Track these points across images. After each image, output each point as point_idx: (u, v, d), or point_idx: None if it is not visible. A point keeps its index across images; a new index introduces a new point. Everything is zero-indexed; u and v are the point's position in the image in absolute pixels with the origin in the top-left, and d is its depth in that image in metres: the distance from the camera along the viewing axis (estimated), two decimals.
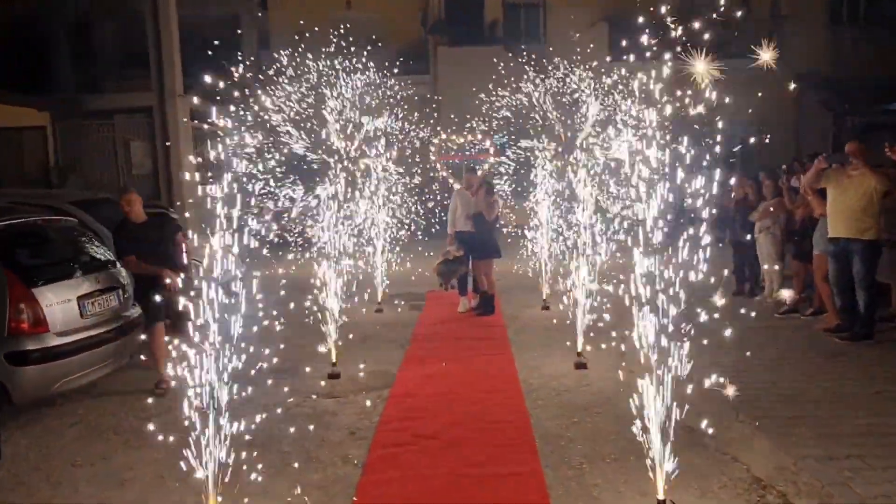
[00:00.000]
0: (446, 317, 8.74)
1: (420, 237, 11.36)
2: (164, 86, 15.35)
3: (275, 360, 4.65)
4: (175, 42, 15.38)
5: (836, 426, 4.56)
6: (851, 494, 3.63)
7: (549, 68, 12.30)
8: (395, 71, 12.45)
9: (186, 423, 3.31)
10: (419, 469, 4.28)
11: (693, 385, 3.51)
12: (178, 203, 15.05)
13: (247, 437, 3.58)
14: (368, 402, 5.55)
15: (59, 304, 5.19)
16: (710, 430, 4.07)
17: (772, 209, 8.36)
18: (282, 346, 5.22)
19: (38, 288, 5.07)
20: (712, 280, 3.51)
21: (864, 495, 3.61)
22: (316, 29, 14.11)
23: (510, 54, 15.66)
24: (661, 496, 3.38)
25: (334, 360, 6.38)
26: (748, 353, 5.95)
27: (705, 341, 3.72)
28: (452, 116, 16.37)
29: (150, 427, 4.34)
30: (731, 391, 3.95)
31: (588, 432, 4.78)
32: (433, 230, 12.25)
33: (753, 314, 6.76)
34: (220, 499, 3.35)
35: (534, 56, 13.34)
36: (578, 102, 10.62)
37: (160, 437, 4.10)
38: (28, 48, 16.32)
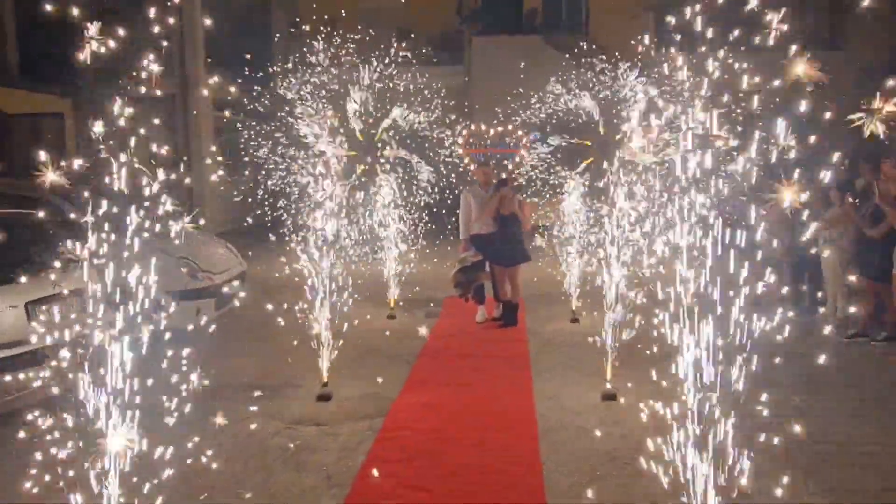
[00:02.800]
0: (463, 328, 7.90)
1: (441, 237, 10.59)
2: (186, 73, 14.95)
3: (257, 377, 3.90)
4: (199, 30, 14.95)
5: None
6: None
7: (593, 62, 11.32)
8: (434, 60, 11.91)
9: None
10: None
11: (742, 436, 2.65)
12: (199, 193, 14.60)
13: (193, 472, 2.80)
14: (356, 435, 4.75)
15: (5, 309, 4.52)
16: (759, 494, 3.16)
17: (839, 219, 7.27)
18: (273, 359, 4.55)
19: None
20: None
21: None
22: (344, 13, 13.52)
23: (553, 46, 14.80)
24: None
25: (325, 380, 5.60)
26: (811, 392, 4.96)
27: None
28: (481, 122, 15.53)
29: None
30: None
31: (611, 492, 3.87)
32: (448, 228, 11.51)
33: (813, 338, 5.76)
34: None
35: (574, 49, 12.45)
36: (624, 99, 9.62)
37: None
38: (53, 35, 16.02)
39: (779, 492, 2.98)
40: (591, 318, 7.50)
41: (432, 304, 8.97)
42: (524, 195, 9.81)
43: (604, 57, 11.13)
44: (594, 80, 11.07)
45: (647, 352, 4.47)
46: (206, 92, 14.73)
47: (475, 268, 7.97)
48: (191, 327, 3.89)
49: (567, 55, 12.47)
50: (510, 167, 12.45)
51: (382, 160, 9.06)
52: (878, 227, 6.79)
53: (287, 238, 7.48)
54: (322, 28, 10.99)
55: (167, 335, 3.08)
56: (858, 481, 3.88)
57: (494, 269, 7.92)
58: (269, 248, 9.08)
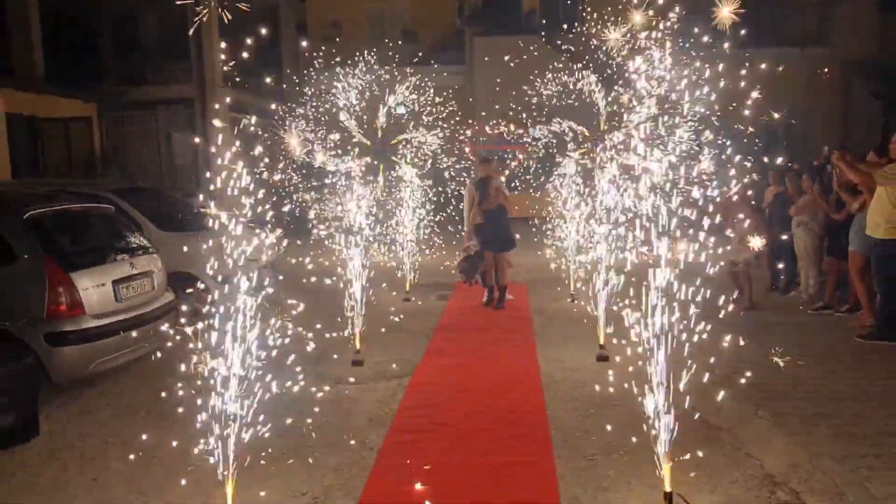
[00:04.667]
0: (472, 308, 8.80)
1: (450, 228, 11.42)
2: (204, 78, 15.71)
3: (304, 348, 4.76)
4: (215, 34, 15.70)
5: (856, 425, 4.48)
6: (865, 494, 3.58)
7: (584, 54, 12.04)
8: (432, 62, 12.50)
9: (212, 407, 3.44)
10: (433, 456, 4.37)
11: (713, 378, 3.51)
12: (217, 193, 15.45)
13: (262, 419, 3.69)
14: (389, 390, 5.66)
15: (95, 287, 5.42)
16: (727, 426, 4.05)
17: (810, 204, 8.16)
18: (310, 334, 5.40)
19: (74, 272, 5.31)
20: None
21: (879, 495, 3.55)
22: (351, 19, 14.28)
23: (549, 45, 15.55)
24: (667, 488, 3.39)
25: (358, 348, 6.51)
26: (775, 349, 5.85)
27: (728, 336, 3.70)
28: (483, 114, 16.33)
29: (179, 409, 4.50)
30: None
31: (604, 425, 4.77)
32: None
33: (786, 310, 6.64)
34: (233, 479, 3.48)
35: (571, 48, 13.21)
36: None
37: (187, 419, 4.25)
38: (74, 41, 16.90)
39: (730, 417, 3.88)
40: (587, 298, 8.40)
41: (443, 289, 9.89)
42: (515, 190, 10.47)
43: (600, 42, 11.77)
44: (592, 60, 11.60)
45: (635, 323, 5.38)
46: (224, 94, 15.56)
47: (478, 255, 8.89)
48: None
49: (564, 55, 13.22)
50: (509, 162, 13.25)
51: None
52: (841, 213, 7.68)
53: (314, 233, 8.39)
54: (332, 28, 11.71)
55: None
56: (798, 409, 4.80)
57: (486, 256, 8.80)
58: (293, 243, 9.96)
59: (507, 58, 14.02)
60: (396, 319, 8.07)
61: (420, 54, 13.22)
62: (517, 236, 8.99)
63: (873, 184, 6.50)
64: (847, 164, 6.79)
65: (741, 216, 7.27)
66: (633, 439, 4.39)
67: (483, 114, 16.50)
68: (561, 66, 12.79)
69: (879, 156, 6.80)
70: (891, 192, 6.31)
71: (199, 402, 3.53)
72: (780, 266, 8.82)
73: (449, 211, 11.43)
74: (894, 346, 6.23)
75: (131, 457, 4.42)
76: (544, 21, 19.73)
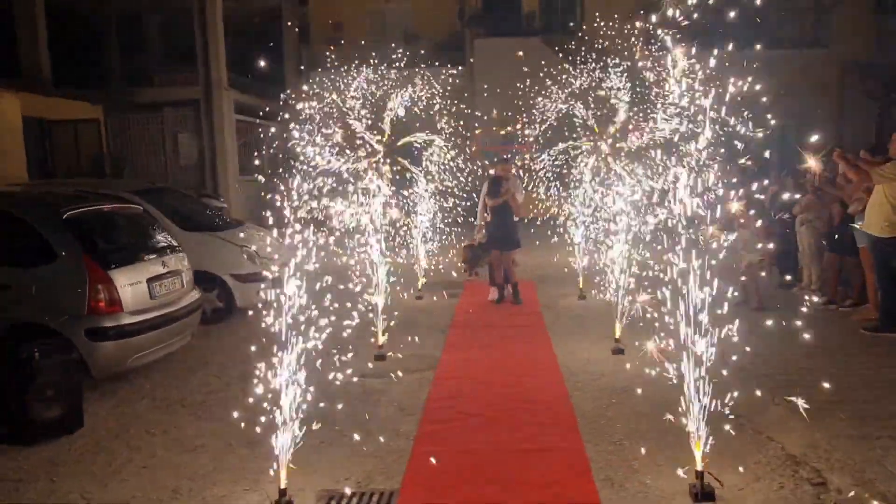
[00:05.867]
0: (483, 305, 9.00)
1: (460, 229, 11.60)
2: (210, 79, 15.89)
3: (320, 345, 4.92)
4: (220, 35, 15.87)
5: (870, 409, 4.71)
6: (883, 471, 3.80)
7: (585, 60, 12.21)
8: (435, 63, 12.52)
9: (248, 399, 3.62)
10: (467, 443, 4.57)
11: (729, 369, 3.72)
12: (223, 193, 15.61)
13: (300, 413, 3.85)
14: (415, 382, 5.85)
15: (131, 285, 5.60)
16: (746, 413, 4.25)
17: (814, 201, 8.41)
18: (328, 330, 5.58)
19: (112, 270, 5.48)
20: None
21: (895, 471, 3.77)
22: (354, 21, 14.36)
23: (551, 47, 15.75)
24: (699, 467, 3.60)
25: (380, 343, 6.70)
26: (785, 341, 6.09)
27: (736, 330, 3.92)
28: (483, 117, 16.50)
29: (214, 401, 4.72)
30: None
31: (627, 413, 5.00)
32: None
33: (791, 307, 6.87)
34: (286, 463, 3.67)
35: (572, 45, 13.39)
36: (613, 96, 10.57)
37: (223, 411, 4.45)
38: (81, 43, 17.01)
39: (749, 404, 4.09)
40: (597, 296, 8.61)
41: (454, 287, 10.09)
42: (525, 189, 10.61)
43: (593, 55, 11.90)
44: (585, 80, 11.81)
45: (648, 317, 5.60)
46: (229, 95, 15.74)
47: (482, 247, 9.09)
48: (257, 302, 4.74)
49: (561, 55, 13.37)
50: (517, 161, 13.39)
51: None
52: (843, 208, 7.93)
53: (325, 234, 8.56)
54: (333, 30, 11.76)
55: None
56: (813, 396, 4.98)
57: (492, 254, 8.99)
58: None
59: (520, 53, 14.14)
60: (411, 317, 8.26)
61: (423, 51, 13.39)
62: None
63: (871, 182, 6.74)
64: (847, 162, 7.03)
65: (744, 221, 7.53)
66: (656, 426, 4.63)
67: (481, 115, 16.67)
68: (566, 65, 12.94)
69: (873, 155, 7.02)
70: (888, 191, 6.54)
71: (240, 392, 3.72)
72: (784, 265, 9.09)
73: (458, 211, 11.60)
74: None
75: (175, 446, 4.61)
76: (543, 22, 20.04)
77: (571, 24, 19.22)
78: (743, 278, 7.87)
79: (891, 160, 6.67)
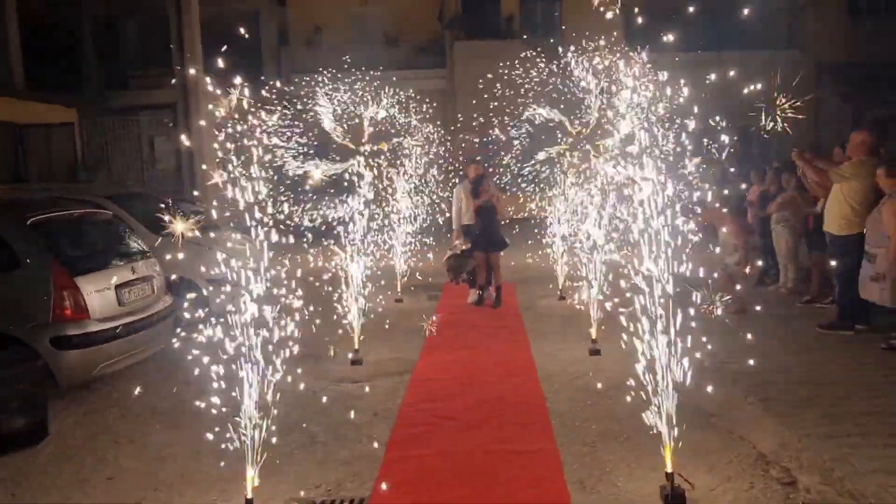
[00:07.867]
0: (463, 307, 8.96)
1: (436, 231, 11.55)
2: (187, 82, 15.72)
3: (296, 348, 4.86)
4: (197, 39, 15.72)
5: (841, 407, 4.73)
6: (852, 469, 3.81)
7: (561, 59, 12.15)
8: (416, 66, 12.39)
9: (221, 408, 3.56)
10: (440, 447, 4.52)
11: (703, 367, 3.72)
12: (201, 197, 15.45)
13: (271, 420, 3.79)
14: (391, 387, 5.80)
15: (98, 292, 5.49)
16: (719, 412, 4.25)
17: (789, 200, 8.47)
18: (302, 336, 5.51)
19: (79, 277, 5.37)
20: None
21: (863, 470, 3.79)
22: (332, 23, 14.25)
23: (532, 49, 15.74)
24: (669, 469, 3.59)
25: (356, 347, 6.64)
26: (761, 340, 6.11)
27: (717, 329, 3.93)
28: (461, 118, 16.46)
29: (184, 410, 4.63)
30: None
31: (602, 414, 4.98)
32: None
33: (769, 305, 6.91)
34: (254, 471, 3.60)
35: (551, 49, 13.37)
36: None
37: (192, 418, 4.37)
38: (56, 47, 16.76)
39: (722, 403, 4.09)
40: (576, 297, 8.61)
41: (433, 289, 10.05)
42: (507, 191, 10.59)
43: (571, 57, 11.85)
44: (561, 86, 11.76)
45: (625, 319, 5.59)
46: (208, 102, 15.58)
47: (465, 255, 9.05)
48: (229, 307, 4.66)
49: (542, 57, 13.35)
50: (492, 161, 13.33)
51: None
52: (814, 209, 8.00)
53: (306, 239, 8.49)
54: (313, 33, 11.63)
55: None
56: (786, 394, 5.06)
57: (477, 257, 8.94)
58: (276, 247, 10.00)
59: (500, 65, 14.12)
60: (390, 320, 8.20)
61: (403, 56, 13.36)
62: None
63: (828, 182, 6.79)
64: (805, 161, 7.10)
65: (724, 222, 7.56)
66: (630, 427, 4.61)
67: (460, 118, 16.67)
68: (542, 65, 12.93)
69: (844, 152, 7.10)
70: (845, 190, 6.59)
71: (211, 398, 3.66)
72: (761, 263, 9.14)
73: (435, 217, 11.54)
74: (876, 336, 6.47)
75: (143, 455, 4.52)
76: (523, 25, 20.07)
77: (552, 39, 19.29)
78: (716, 274, 7.89)
79: (850, 159, 6.73)
